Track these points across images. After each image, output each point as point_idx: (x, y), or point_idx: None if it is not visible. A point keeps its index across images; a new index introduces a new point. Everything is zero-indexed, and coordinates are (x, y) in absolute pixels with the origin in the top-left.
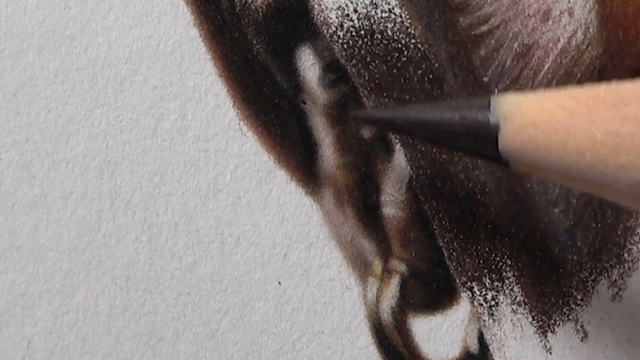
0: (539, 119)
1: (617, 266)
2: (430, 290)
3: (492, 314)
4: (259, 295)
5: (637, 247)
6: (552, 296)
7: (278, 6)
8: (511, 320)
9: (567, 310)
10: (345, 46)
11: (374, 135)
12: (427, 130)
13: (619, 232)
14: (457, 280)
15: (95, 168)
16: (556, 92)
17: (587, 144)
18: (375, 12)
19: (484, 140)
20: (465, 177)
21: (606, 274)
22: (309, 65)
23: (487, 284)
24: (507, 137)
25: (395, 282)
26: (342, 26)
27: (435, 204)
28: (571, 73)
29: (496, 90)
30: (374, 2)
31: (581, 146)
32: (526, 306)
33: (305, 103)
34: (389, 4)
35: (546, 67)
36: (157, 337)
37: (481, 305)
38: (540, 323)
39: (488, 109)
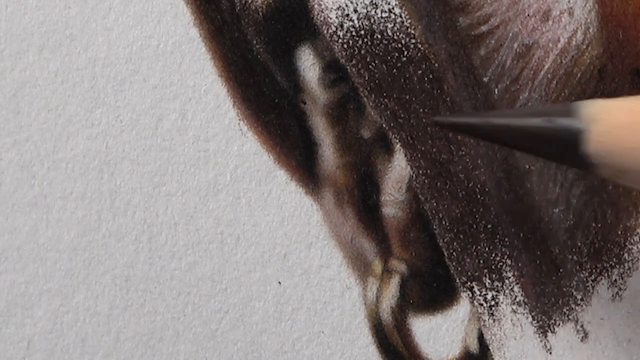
0: (627, 121)
1: (617, 266)
2: (430, 290)
3: (492, 314)
4: (259, 295)
5: (637, 247)
6: (552, 296)
7: (278, 6)
8: (511, 320)
9: (567, 310)
10: (345, 46)
11: (374, 135)
12: (512, 136)
13: (619, 232)
14: (457, 280)
15: (95, 168)
16: None
17: None
18: (375, 12)
19: (571, 145)
20: (465, 177)
21: (606, 274)
22: (309, 65)
23: (487, 284)
24: (595, 140)
25: (395, 282)
26: (342, 26)
27: (435, 204)
28: (571, 73)
29: (496, 91)
30: (374, 2)
31: None
32: (526, 306)
33: (305, 103)
34: (389, 4)
35: (546, 67)
36: (157, 337)
37: (481, 305)
38: (540, 323)
39: (574, 113)
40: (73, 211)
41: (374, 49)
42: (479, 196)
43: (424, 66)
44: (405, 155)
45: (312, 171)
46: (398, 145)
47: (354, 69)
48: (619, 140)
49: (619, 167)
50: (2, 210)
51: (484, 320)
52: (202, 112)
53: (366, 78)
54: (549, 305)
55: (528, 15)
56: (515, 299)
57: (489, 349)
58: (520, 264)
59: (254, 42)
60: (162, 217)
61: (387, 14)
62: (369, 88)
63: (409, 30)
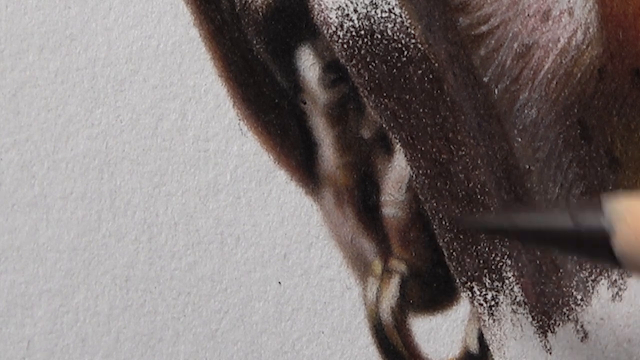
0: None
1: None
2: (430, 290)
3: (492, 314)
4: (259, 295)
5: None
6: (552, 296)
7: (278, 6)
8: (511, 320)
9: (567, 310)
10: (345, 46)
11: (374, 135)
12: (541, 238)
13: None
14: (457, 280)
15: (95, 168)
16: None
17: None
18: (375, 12)
19: (598, 244)
20: (465, 177)
21: (606, 274)
22: (309, 65)
23: (487, 284)
24: (623, 240)
25: (395, 282)
26: (342, 26)
27: (435, 204)
28: (571, 73)
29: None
30: (374, 2)
31: None
32: (526, 306)
33: (305, 103)
34: (389, 4)
35: (546, 67)
36: (157, 337)
37: (481, 305)
38: (540, 323)
39: (601, 213)
40: (73, 211)
41: (374, 49)
42: (479, 196)
43: (424, 66)
44: (405, 155)
45: (312, 171)
46: (398, 145)
47: (354, 69)
48: None
49: None
50: (2, 210)
51: (484, 320)
52: (202, 112)
53: (366, 78)
54: (549, 305)
55: (528, 15)
56: (515, 299)
57: (489, 349)
58: (520, 264)
59: (254, 42)
60: (162, 217)
61: (387, 14)
62: (369, 88)
63: (409, 30)
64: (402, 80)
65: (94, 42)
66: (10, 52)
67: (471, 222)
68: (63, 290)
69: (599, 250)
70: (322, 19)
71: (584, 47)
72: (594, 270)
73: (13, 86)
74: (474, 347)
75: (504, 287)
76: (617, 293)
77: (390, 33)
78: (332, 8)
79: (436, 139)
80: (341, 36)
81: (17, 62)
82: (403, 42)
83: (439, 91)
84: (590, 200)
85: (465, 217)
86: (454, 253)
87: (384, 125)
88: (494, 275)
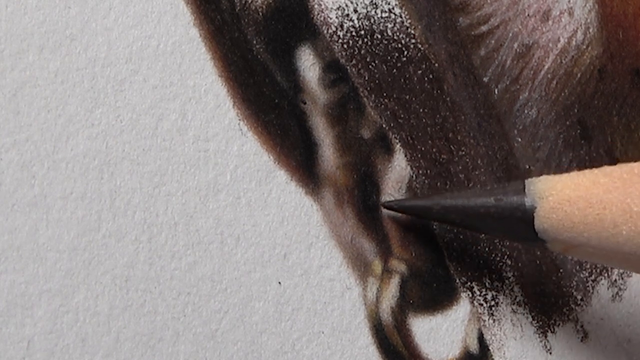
0: (574, 196)
1: None
2: (430, 290)
3: (492, 314)
4: (259, 295)
5: None
6: (552, 296)
7: (278, 6)
8: (511, 320)
9: (567, 310)
10: (345, 46)
11: (374, 135)
12: (463, 216)
13: None
14: (457, 280)
15: (95, 168)
16: (589, 171)
17: (624, 217)
18: (375, 12)
19: (520, 222)
20: (465, 177)
21: (606, 274)
22: (309, 65)
23: (487, 284)
24: (543, 216)
25: (395, 282)
26: (342, 26)
27: None
28: (571, 73)
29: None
30: (374, 2)
31: (617, 220)
32: (526, 306)
33: (305, 103)
34: (389, 4)
35: (546, 67)
36: (157, 337)
37: (481, 305)
38: (540, 323)
39: (523, 192)
40: (73, 211)
41: (374, 49)
42: None
43: (424, 66)
44: (405, 155)
45: (312, 171)
46: (398, 145)
47: (354, 69)
48: (567, 215)
49: (568, 242)
50: (2, 210)
51: (484, 320)
52: (202, 112)
53: (366, 78)
54: (549, 305)
55: (528, 15)
56: (515, 299)
57: (489, 349)
58: (520, 264)
59: (254, 42)
60: (162, 217)
61: (387, 14)
62: (369, 88)
63: (409, 30)
64: (402, 80)
65: (94, 42)
66: (10, 52)
67: (398, 204)
68: (63, 290)
69: (520, 228)
70: (322, 19)
71: (584, 47)
72: (594, 270)
73: (13, 86)
74: (474, 347)
75: (504, 287)
76: (617, 293)
77: (390, 33)
78: (332, 8)
79: (436, 139)
80: (341, 36)
81: (17, 62)
82: (403, 42)
83: (439, 91)
84: (514, 181)
85: (386, 201)
86: (454, 253)
87: (384, 125)
88: (494, 275)
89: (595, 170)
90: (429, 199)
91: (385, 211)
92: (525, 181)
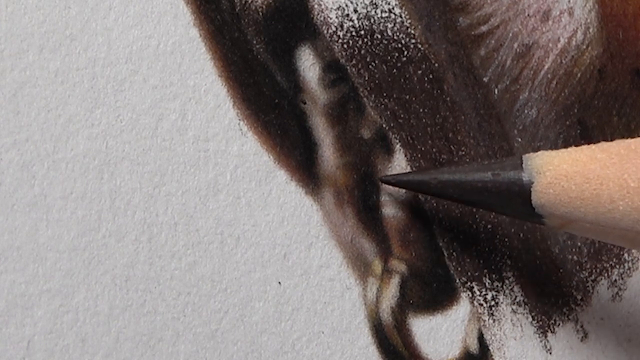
0: (571, 171)
1: (617, 266)
2: (430, 290)
3: (492, 314)
4: (259, 295)
5: None
6: (552, 296)
7: (278, 6)
8: (511, 320)
9: (567, 310)
10: (345, 46)
11: (374, 135)
12: (461, 190)
13: None
14: (457, 280)
15: (95, 168)
16: (587, 147)
17: (620, 193)
18: (375, 12)
19: (517, 197)
20: None
21: (606, 274)
22: (309, 65)
23: (487, 284)
24: (540, 191)
25: (395, 282)
26: (342, 26)
27: (435, 204)
28: (571, 73)
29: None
30: (374, 2)
31: (614, 195)
32: (526, 306)
33: (305, 103)
34: (389, 4)
35: (546, 67)
36: (157, 337)
37: (481, 305)
38: (540, 323)
39: (521, 167)
40: (73, 211)
41: (374, 49)
42: None
43: (424, 66)
44: (405, 155)
45: (312, 171)
46: (398, 145)
47: (354, 69)
48: (564, 190)
49: (565, 218)
50: (2, 210)
51: (484, 320)
52: (202, 112)
53: (366, 78)
54: (549, 305)
55: (528, 15)
56: (515, 299)
57: (489, 349)
58: (520, 264)
59: (254, 42)
60: (162, 217)
61: (387, 14)
62: (369, 88)
63: (409, 30)
64: (402, 80)
65: (94, 42)
66: (10, 52)
67: (395, 179)
68: (63, 290)
69: (518, 203)
70: (322, 19)
71: (584, 47)
72: (594, 270)
73: (13, 86)
74: (474, 347)
75: (504, 287)
76: (617, 293)
77: (390, 33)
78: (332, 8)
79: (436, 139)
80: (341, 36)
81: (17, 62)
82: (403, 42)
83: (439, 91)
84: (511, 156)
85: (384, 175)
86: (454, 253)
87: (384, 125)
88: (494, 275)
89: (593, 146)
90: (427, 173)
91: (385, 211)
92: (523, 156)
